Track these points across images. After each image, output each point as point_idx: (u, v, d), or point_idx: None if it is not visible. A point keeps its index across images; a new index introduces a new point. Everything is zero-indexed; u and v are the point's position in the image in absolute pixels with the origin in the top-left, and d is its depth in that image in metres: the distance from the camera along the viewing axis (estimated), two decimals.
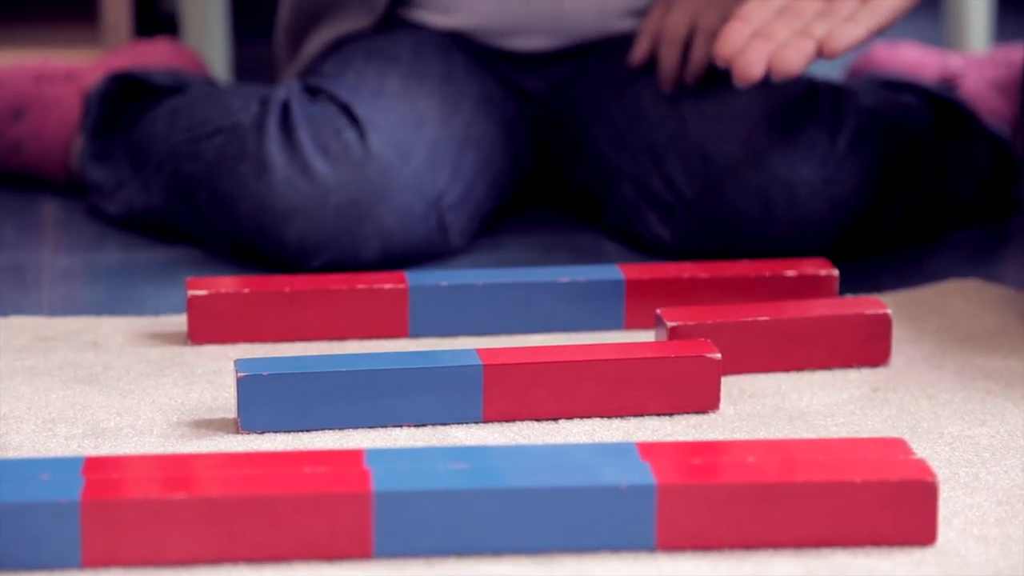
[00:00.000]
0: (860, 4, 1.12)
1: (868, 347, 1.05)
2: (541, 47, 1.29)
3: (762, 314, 1.03)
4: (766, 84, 1.17)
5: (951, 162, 1.27)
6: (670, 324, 1.02)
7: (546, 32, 1.28)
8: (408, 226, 1.19)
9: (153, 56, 1.41)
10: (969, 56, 1.46)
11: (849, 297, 1.07)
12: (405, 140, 1.19)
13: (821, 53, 1.11)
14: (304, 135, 1.19)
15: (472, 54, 1.29)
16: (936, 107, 1.29)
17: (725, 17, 1.22)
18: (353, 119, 1.19)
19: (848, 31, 1.11)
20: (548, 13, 1.26)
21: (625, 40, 1.28)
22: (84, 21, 1.67)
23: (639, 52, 1.24)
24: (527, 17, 1.27)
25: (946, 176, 1.26)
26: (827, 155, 1.19)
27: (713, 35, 1.22)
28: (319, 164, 1.18)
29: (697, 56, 1.22)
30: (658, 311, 1.04)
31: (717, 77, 1.22)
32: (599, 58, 1.29)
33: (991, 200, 1.30)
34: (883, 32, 1.13)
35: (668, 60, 1.23)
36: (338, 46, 1.29)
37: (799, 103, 1.20)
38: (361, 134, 1.19)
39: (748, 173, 1.19)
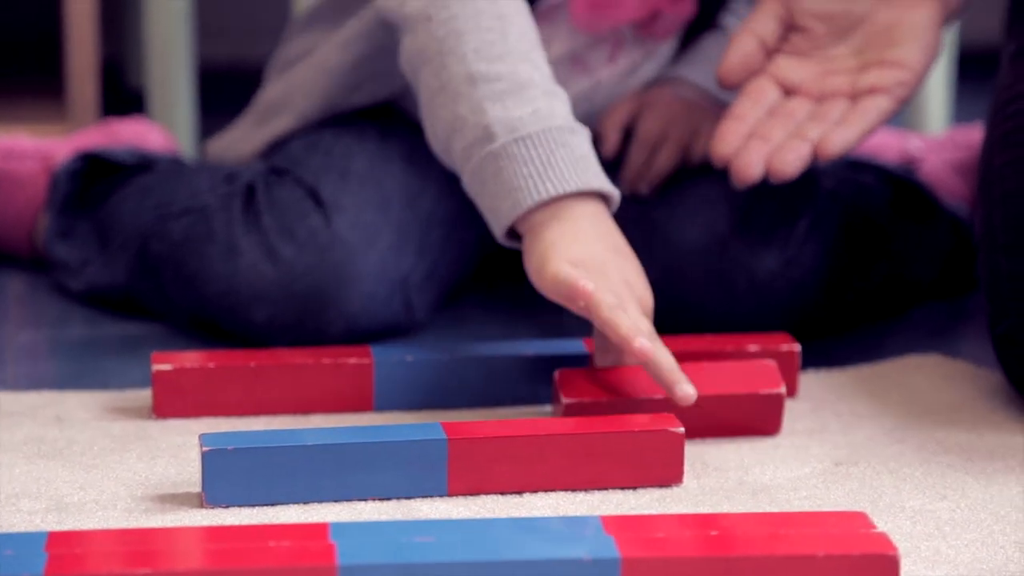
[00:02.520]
0: (849, 105, 1.15)
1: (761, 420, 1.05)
2: None
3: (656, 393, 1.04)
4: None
5: (910, 242, 1.28)
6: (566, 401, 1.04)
7: None
8: (373, 309, 1.19)
9: (123, 135, 1.41)
10: (929, 138, 1.48)
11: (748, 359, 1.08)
12: (371, 223, 1.20)
13: (815, 156, 1.13)
14: (269, 220, 1.19)
15: None
16: (895, 188, 1.31)
17: (694, 131, 1.23)
18: (319, 202, 1.20)
19: (841, 135, 1.13)
20: None
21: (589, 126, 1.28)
22: (51, 97, 1.68)
23: (611, 145, 1.25)
24: None
25: (905, 256, 1.28)
26: (787, 239, 1.20)
27: (680, 147, 1.23)
28: (285, 249, 1.18)
29: (661, 163, 1.23)
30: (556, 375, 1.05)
31: (679, 173, 1.24)
32: None
33: (950, 279, 1.32)
34: (873, 133, 1.16)
35: (636, 161, 1.24)
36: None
37: (759, 188, 1.21)
38: (326, 217, 1.19)
39: (709, 257, 1.20)
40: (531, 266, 1.07)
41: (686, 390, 1.02)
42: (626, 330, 1.02)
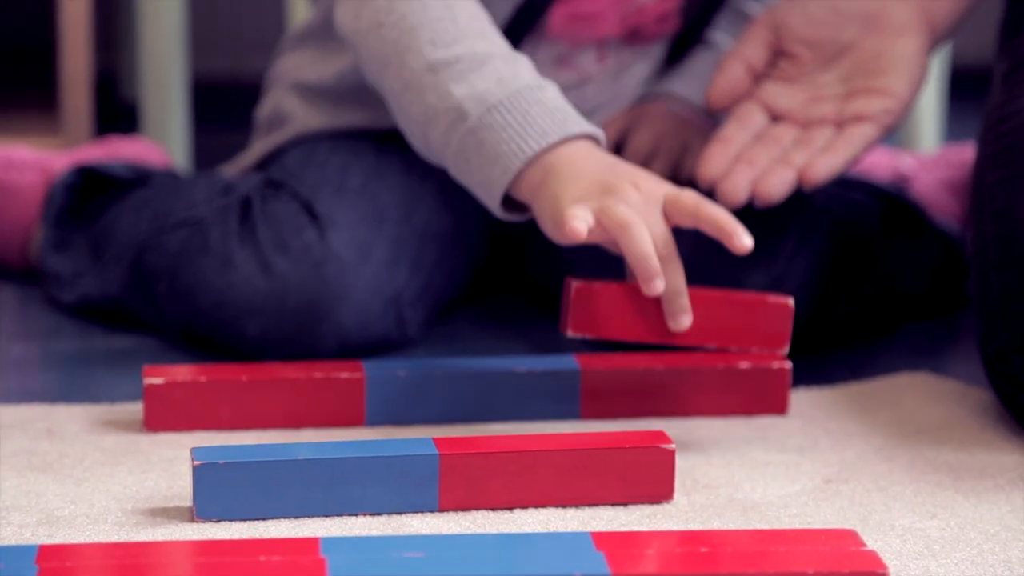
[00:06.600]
0: (835, 132, 1.16)
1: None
2: None
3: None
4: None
5: (901, 259, 1.29)
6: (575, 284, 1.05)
7: None
8: (366, 324, 1.19)
9: (124, 153, 1.42)
10: (921, 157, 1.49)
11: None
12: (366, 238, 1.20)
13: (800, 182, 1.14)
14: (264, 233, 1.20)
15: None
16: (886, 205, 1.31)
17: (685, 146, 1.24)
18: (313, 216, 1.20)
19: (826, 162, 1.14)
20: None
21: None
22: (44, 110, 1.68)
23: None
24: None
25: (896, 273, 1.28)
26: (775, 255, 1.21)
27: (670, 162, 1.24)
28: (279, 263, 1.18)
29: None
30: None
31: None
32: None
33: (941, 295, 1.32)
34: (858, 161, 1.17)
35: None
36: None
37: (747, 204, 1.21)
38: (321, 232, 1.19)
39: (698, 274, 1.20)
40: (548, 229, 1.07)
41: (682, 322, 1.06)
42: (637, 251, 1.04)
